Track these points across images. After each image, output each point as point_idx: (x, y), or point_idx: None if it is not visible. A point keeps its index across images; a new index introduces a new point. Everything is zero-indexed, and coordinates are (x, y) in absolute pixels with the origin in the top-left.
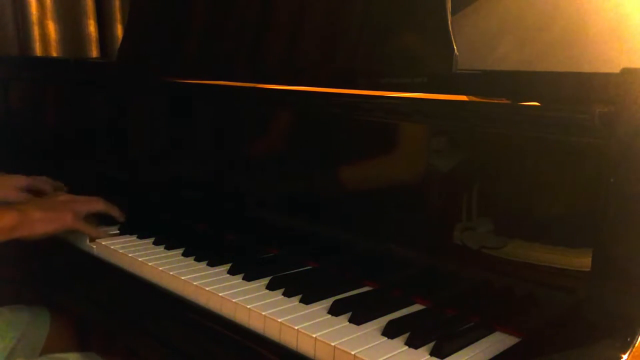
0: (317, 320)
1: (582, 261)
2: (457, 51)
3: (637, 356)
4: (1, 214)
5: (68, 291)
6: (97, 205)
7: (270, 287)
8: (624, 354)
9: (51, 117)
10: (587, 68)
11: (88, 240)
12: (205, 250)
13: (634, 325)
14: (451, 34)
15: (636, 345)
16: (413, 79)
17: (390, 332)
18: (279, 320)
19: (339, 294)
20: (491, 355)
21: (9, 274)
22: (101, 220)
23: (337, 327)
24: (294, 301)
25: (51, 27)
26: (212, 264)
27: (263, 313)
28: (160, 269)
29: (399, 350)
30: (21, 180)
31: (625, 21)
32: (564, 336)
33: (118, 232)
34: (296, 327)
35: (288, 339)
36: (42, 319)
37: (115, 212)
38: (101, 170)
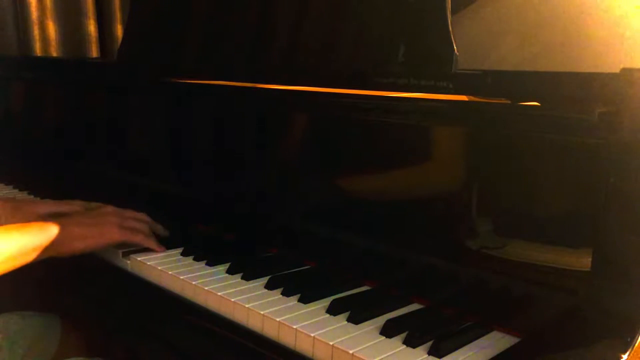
0: (315, 320)
1: (582, 261)
2: (457, 51)
3: (637, 356)
4: (42, 230)
5: (69, 290)
6: (143, 217)
7: (269, 286)
8: (624, 354)
9: (51, 117)
10: (587, 68)
11: None
12: (204, 249)
13: (634, 325)
14: (451, 34)
15: (636, 345)
16: (413, 79)
17: (388, 331)
18: (278, 319)
19: (337, 294)
20: (490, 355)
21: (21, 278)
22: None
23: (335, 326)
24: (293, 300)
25: (51, 27)
26: (210, 263)
27: (261, 312)
28: (159, 268)
29: (397, 350)
30: (45, 207)
31: (625, 21)
32: (564, 336)
33: None
34: (295, 327)
35: (286, 338)
36: (53, 327)
37: (159, 229)
38: (100, 170)
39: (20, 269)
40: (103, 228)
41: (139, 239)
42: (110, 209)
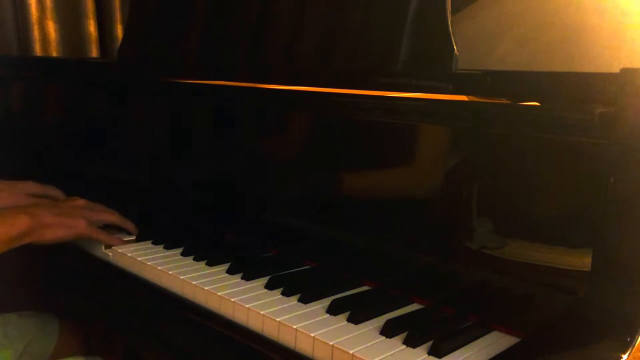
0: (315, 320)
1: (582, 261)
2: (457, 51)
3: (637, 356)
4: (13, 220)
5: (69, 292)
6: (111, 216)
7: (269, 286)
8: (624, 354)
9: (51, 117)
10: (587, 68)
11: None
12: (204, 249)
13: (634, 325)
14: (451, 34)
15: (636, 345)
16: (413, 79)
17: (388, 331)
18: (278, 319)
19: (337, 294)
20: (489, 355)
21: (18, 279)
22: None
23: (335, 326)
24: (293, 300)
25: (51, 27)
26: (211, 263)
27: (262, 312)
28: (159, 268)
29: (397, 349)
30: (31, 187)
31: (625, 21)
32: (564, 336)
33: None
34: (295, 327)
35: (286, 338)
36: (51, 326)
37: (129, 225)
38: (100, 170)
39: (18, 270)
40: (73, 220)
41: (102, 237)
42: (81, 202)
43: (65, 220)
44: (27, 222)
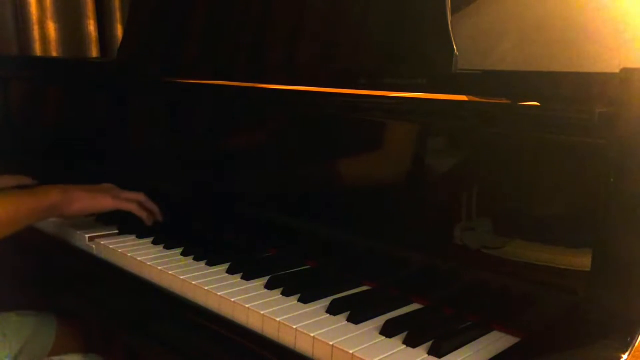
0: (315, 320)
1: (582, 261)
2: (457, 51)
3: (637, 356)
4: (46, 193)
5: (68, 291)
6: (138, 196)
7: (269, 286)
8: (624, 354)
9: (51, 117)
10: (587, 68)
11: (87, 240)
12: (204, 249)
13: (634, 325)
14: (451, 34)
15: (636, 345)
16: (413, 79)
17: (388, 331)
18: (278, 319)
19: (337, 294)
20: (489, 355)
21: (16, 278)
22: (98, 218)
23: (335, 326)
24: (293, 300)
25: (51, 27)
26: (211, 263)
27: (262, 312)
28: (159, 268)
29: (397, 349)
30: (7, 181)
31: (625, 21)
32: (564, 336)
33: (117, 231)
34: (295, 327)
35: (286, 338)
36: (49, 325)
37: (155, 210)
38: (100, 169)
39: (18, 270)
40: (99, 194)
41: (132, 207)
42: (108, 185)
43: (94, 195)
44: (58, 196)
